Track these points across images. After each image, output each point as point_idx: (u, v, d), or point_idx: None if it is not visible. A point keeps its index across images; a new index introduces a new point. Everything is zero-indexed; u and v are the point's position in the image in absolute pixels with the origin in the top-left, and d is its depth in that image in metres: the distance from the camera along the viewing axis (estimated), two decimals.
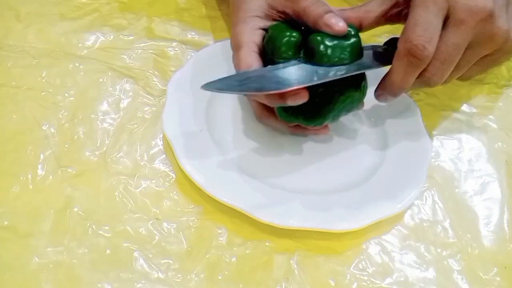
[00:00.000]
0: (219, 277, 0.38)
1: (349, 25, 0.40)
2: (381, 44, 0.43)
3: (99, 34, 0.51)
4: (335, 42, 0.39)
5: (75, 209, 0.40)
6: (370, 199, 0.42)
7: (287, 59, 0.40)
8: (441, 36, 0.39)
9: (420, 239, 0.42)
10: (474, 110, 0.53)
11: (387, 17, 0.43)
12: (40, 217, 0.39)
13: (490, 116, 0.52)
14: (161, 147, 0.44)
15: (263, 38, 0.42)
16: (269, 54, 0.41)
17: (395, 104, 0.49)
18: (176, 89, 0.45)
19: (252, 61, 0.40)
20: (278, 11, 0.43)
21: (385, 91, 0.42)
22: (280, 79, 0.38)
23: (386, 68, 0.41)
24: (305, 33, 0.41)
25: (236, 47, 0.42)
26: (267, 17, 0.43)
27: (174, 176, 0.43)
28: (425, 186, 0.45)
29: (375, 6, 0.43)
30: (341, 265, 0.40)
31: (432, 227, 0.43)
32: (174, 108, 0.44)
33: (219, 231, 0.40)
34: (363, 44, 0.41)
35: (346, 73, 0.39)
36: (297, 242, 0.40)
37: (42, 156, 0.42)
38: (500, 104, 0.54)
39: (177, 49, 0.52)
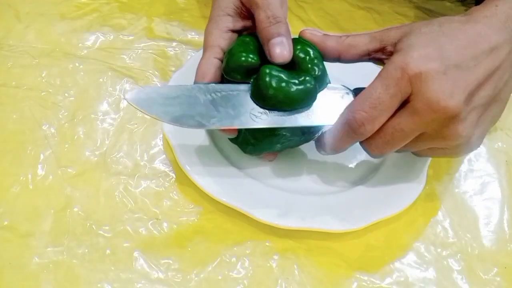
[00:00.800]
0: (219, 277, 0.38)
1: (314, 65, 0.37)
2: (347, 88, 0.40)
3: (99, 34, 0.51)
4: (284, 82, 0.36)
5: (75, 209, 0.40)
6: (370, 199, 0.42)
7: (233, 81, 0.38)
8: (393, 116, 0.35)
9: (420, 239, 0.42)
10: None
11: (370, 57, 0.39)
12: (40, 217, 0.39)
13: None
14: (161, 147, 0.44)
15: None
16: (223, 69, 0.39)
17: None
18: None
19: (208, 69, 0.39)
20: (247, 9, 0.40)
21: (320, 144, 0.39)
22: (204, 112, 0.36)
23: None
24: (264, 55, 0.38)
25: (203, 48, 0.41)
26: (239, 15, 0.41)
27: (174, 176, 0.43)
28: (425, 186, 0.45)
29: (360, 43, 0.38)
30: (341, 265, 0.40)
31: (432, 227, 0.43)
32: None
33: (219, 231, 0.40)
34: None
35: (276, 125, 0.37)
36: (297, 242, 0.40)
37: (42, 156, 0.42)
38: None
39: (177, 49, 0.52)
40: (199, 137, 0.44)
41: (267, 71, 0.36)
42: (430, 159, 0.45)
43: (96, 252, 0.38)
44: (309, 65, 0.38)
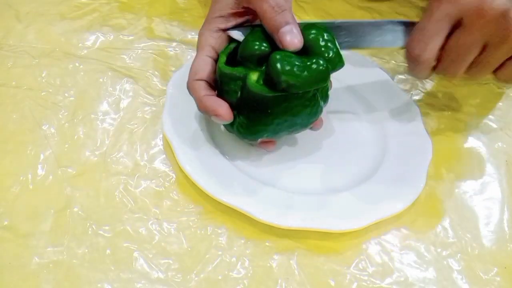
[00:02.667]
0: (219, 277, 0.38)
1: (327, 48, 0.37)
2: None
3: (99, 34, 0.51)
4: (294, 67, 0.36)
5: (75, 209, 0.40)
6: (370, 199, 0.42)
7: (248, 69, 0.38)
8: (452, 36, 0.40)
9: (420, 239, 0.42)
10: (474, 110, 0.53)
11: None
12: (40, 217, 0.39)
13: (490, 116, 0.52)
14: (161, 147, 0.44)
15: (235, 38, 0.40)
16: (239, 60, 0.39)
17: (395, 104, 0.49)
18: (176, 89, 0.45)
19: (200, 67, 0.40)
20: (244, 7, 0.41)
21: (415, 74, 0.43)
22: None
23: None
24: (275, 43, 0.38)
25: (197, 49, 0.42)
26: (233, 16, 0.41)
27: (174, 176, 0.43)
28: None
29: None
30: (341, 265, 0.40)
31: (432, 227, 0.43)
32: (174, 108, 0.44)
33: (219, 231, 0.40)
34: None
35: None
36: (297, 242, 0.40)
37: (42, 156, 0.42)
38: (500, 104, 0.54)
39: (177, 49, 0.52)
40: (199, 137, 0.44)
41: (277, 57, 0.36)
42: (429, 158, 0.45)
43: (96, 252, 0.38)
44: (322, 48, 0.38)
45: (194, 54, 0.50)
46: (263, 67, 0.38)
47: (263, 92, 0.37)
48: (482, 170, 0.48)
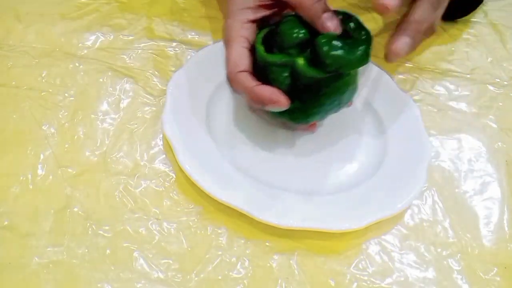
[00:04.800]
0: (219, 277, 0.38)
1: (360, 29, 0.39)
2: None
3: (99, 34, 0.51)
4: (340, 49, 0.38)
5: (75, 209, 0.40)
6: (370, 199, 0.42)
7: (291, 56, 0.39)
8: None
9: (420, 239, 0.42)
10: (474, 110, 0.53)
11: None
12: (40, 217, 0.39)
13: (490, 116, 0.52)
14: (161, 147, 0.44)
15: (266, 30, 0.42)
16: (277, 49, 0.40)
17: (395, 104, 0.49)
18: (176, 89, 0.45)
19: (240, 59, 0.40)
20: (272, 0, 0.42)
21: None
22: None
23: None
24: (313, 29, 0.40)
25: (226, 43, 0.42)
26: (259, 8, 0.42)
27: (174, 176, 0.43)
28: (425, 186, 0.45)
29: None
30: (341, 265, 0.40)
31: (432, 227, 0.43)
32: (174, 108, 0.44)
33: (219, 231, 0.40)
34: None
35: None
36: (297, 242, 0.40)
37: (42, 156, 0.42)
38: (500, 104, 0.54)
39: (177, 49, 0.52)
40: (199, 137, 0.44)
41: (323, 40, 0.38)
42: (429, 158, 0.45)
43: (96, 252, 0.38)
44: (355, 31, 0.40)
45: (194, 54, 0.50)
46: (305, 53, 0.39)
47: (317, 75, 0.39)
48: (482, 170, 0.48)
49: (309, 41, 0.39)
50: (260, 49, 0.40)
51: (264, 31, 0.42)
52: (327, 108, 0.41)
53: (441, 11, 0.45)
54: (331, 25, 0.39)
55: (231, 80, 0.41)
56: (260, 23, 0.43)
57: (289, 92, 0.40)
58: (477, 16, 0.62)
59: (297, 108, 0.40)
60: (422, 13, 0.42)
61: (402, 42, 0.42)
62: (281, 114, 0.41)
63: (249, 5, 0.42)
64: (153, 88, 0.48)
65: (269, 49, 0.41)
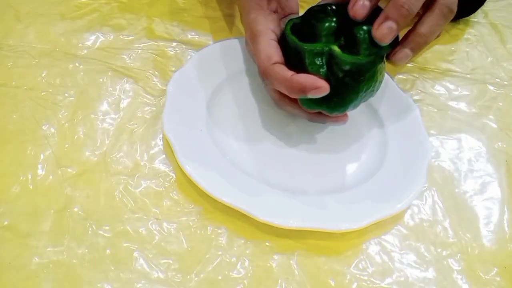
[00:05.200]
0: (219, 277, 0.38)
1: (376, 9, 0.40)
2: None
3: (99, 34, 0.51)
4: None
5: (75, 209, 0.40)
6: (370, 199, 0.42)
7: (326, 44, 0.40)
8: None
9: (420, 239, 0.42)
10: (474, 110, 0.53)
11: None
12: (40, 217, 0.39)
13: (490, 116, 0.52)
14: (161, 147, 0.44)
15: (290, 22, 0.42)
16: (307, 37, 0.41)
17: (395, 104, 0.49)
18: (176, 89, 0.45)
19: (272, 51, 0.40)
20: None
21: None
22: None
23: None
24: (342, 18, 0.40)
25: (252, 37, 0.42)
26: None
27: (174, 176, 0.43)
28: (425, 186, 0.45)
29: None
30: (341, 265, 0.40)
31: (432, 227, 0.43)
32: (174, 108, 0.44)
33: (219, 231, 0.40)
34: None
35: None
36: (297, 242, 0.40)
37: (42, 156, 0.42)
38: (500, 104, 0.54)
39: (177, 49, 0.52)
40: (199, 137, 0.44)
41: (366, 27, 0.39)
42: (429, 158, 0.45)
43: (96, 252, 0.38)
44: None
45: (194, 54, 0.50)
46: (340, 41, 0.40)
47: (358, 60, 0.39)
48: (482, 170, 0.48)
49: (340, 29, 0.40)
50: (294, 38, 0.41)
51: (292, 21, 0.42)
52: (363, 95, 0.41)
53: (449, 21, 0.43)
54: (361, 9, 0.38)
55: (265, 73, 0.41)
56: (281, 14, 0.44)
57: (327, 80, 0.40)
58: (477, 16, 0.62)
59: (334, 95, 0.40)
60: (430, 27, 0.41)
61: (402, 54, 0.41)
62: (319, 104, 0.41)
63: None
64: (153, 88, 0.48)
65: (300, 39, 0.41)
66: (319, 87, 0.39)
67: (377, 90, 0.43)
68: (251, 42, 0.42)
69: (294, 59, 0.41)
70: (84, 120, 0.45)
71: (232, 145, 0.44)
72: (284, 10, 0.45)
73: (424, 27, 0.40)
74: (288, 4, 0.45)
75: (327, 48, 0.40)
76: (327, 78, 0.40)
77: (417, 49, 0.41)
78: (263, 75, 0.41)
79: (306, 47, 0.40)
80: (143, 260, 0.38)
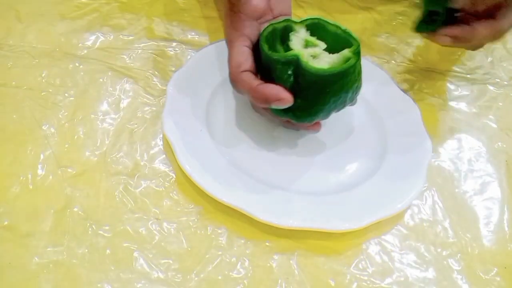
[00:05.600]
0: (219, 277, 0.38)
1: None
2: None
3: (99, 34, 0.51)
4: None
5: (75, 209, 0.40)
6: (370, 199, 0.42)
7: (295, 54, 0.39)
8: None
9: (420, 239, 0.42)
10: (474, 110, 0.53)
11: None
12: (40, 217, 0.39)
13: (490, 116, 0.52)
14: (161, 147, 0.44)
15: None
16: (282, 46, 0.41)
17: (395, 104, 0.49)
18: (176, 89, 0.45)
19: (242, 58, 0.40)
20: None
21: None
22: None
23: None
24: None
25: (228, 42, 0.42)
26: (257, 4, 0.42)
27: (174, 176, 0.43)
28: (425, 186, 0.45)
29: None
30: (341, 265, 0.40)
31: (432, 227, 0.43)
32: (174, 108, 0.44)
33: (219, 231, 0.40)
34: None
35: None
36: (297, 242, 0.40)
37: (42, 156, 0.42)
38: (500, 104, 0.54)
39: (177, 49, 0.52)
40: (199, 137, 0.44)
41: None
42: (429, 158, 0.45)
43: (96, 252, 0.38)
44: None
45: (194, 54, 0.50)
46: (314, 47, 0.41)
47: (323, 72, 0.38)
48: (482, 170, 0.48)
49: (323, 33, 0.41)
50: (264, 47, 0.40)
51: (269, 28, 0.42)
52: (332, 106, 0.41)
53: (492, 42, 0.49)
54: None
55: (234, 80, 0.41)
56: (270, 16, 0.43)
57: (293, 90, 0.40)
58: None
59: (301, 106, 0.40)
60: (478, 40, 0.47)
61: (444, 39, 0.47)
62: (286, 112, 0.41)
63: (246, 2, 0.42)
64: (153, 88, 0.48)
65: (274, 47, 0.41)
66: (282, 98, 0.39)
67: (351, 102, 0.42)
68: (227, 46, 0.42)
69: (265, 68, 0.41)
70: (84, 120, 0.45)
71: (232, 145, 0.44)
72: (273, 12, 0.44)
73: (475, 40, 0.47)
74: (278, 6, 0.44)
75: (295, 58, 0.39)
76: (293, 88, 0.39)
77: (456, 44, 0.47)
78: (233, 81, 0.41)
79: (274, 57, 0.40)
80: (143, 260, 0.38)
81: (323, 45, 0.41)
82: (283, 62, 0.39)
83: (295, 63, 0.39)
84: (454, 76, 0.55)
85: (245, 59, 0.40)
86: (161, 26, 0.53)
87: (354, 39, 0.40)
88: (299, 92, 0.40)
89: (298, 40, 0.41)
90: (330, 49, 0.41)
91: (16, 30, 0.50)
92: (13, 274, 0.36)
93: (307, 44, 0.41)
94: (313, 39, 0.41)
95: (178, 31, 0.53)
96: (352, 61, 0.39)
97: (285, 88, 0.39)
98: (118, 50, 0.51)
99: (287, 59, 0.39)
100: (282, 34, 0.42)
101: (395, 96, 0.50)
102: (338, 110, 0.42)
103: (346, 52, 0.39)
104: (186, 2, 0.56)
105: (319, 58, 0.40)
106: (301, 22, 0.42)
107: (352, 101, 0.42)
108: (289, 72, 0.39)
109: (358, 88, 0.42)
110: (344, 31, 0.41)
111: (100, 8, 0.54)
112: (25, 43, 0.49)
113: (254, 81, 0.40)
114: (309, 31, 0.42)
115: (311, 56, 0.40)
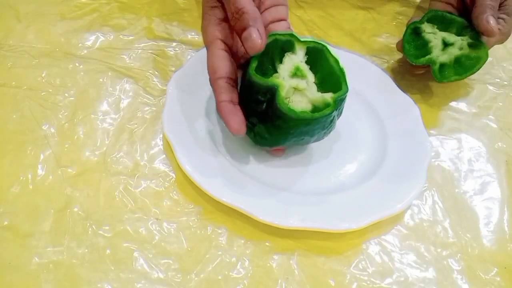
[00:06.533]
0: (219, 277, 0.38)
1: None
2: None
3: (99, 34, 0.51)
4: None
5: (75, 209, 0.40)
6: (370, 199, 0.42)
7: (275, 83, 0.38)
8: None
9: (420, 239, 0.42)
10: (474, 110, 0.53)
11: None
12: (40, 217, 0.39)
13: (490, 116, 0.52)
14: (161, 147, 0.44)
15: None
16: (271, 65, 0.40)
17: (395, 104, 0.49)
18: (176, 89, 0.45)
19: (217, 64, 0.39)
20: None
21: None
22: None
23: None
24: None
25: (205, 46, 0.40)
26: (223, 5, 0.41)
27: (174, 176, 0.43)
28: (425, 186, 0.45)
29: None
30: (341, 265, 0.40)
31: (432, 227, 0.43)
32: (174, 108, 0.44)
33: (219, 231, 0.40)
34: None
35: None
36: (297, 242, 0.40)
37: (42, 156, 0.42)
38: (500, 104, 0.54)
39: (177, 49, 0.52)
40: (199, 137, 0.44)
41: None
42: (429, 158, 0.45)
43: (96, 252, 0.38)
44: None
45: (194, 54, 0.50)
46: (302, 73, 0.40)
47: (292, 114, 0.38)
48: (482, 170, 0.48)
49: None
50: (252, 65, 0.39)
51: (270, 39, 0.40)
52: (291, 143, 0.41)
53: None
54: (249, 44, 0.37)
55: (211, 84, 0.40)
56: (262, 8, 0.42)
57: (260, 115, 0.39)
58: None
59: (262, 133, 0.40)
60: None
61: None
62: (248, 131, 0.41)
63: (213, 4, 0.40)
64: (153, 88, 0.48)
65: (267, 60, 0.40)
66: (230, 127, 0.38)
67: (315, 141, 0.42)
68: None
69: (247, 79, 0.39)
70: (84, 120, 0.45)
71: (232, 145, 0.44)
72: (264, 4, 0.42)
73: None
74: None
75: (274, 86, 0.38)
76: (261, 113, 0.39)
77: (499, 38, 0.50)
78: (211, 85, 0.40)
79: (255, 79, 0.38)
80: (143, 260, 0.38)
81: (312, 78, 0.40)
82: (260, 86, 0.38)
83: (272, 93, 0.38)
84: None
85: (220, 64, 0.39)
86: (161, 26, 0.53)
87: (345, 83, 0.39)
88: (265, 120, 0.39)
89: (289, 65, 0.40)
90: (320, 81, 0.40)
91: (16, 30, 0.50)
92: (13, 274, 0.36)
93: (295, 73, 0.40)
94: (304, 69, 0.40)
95: (178, 31, 0.53)
96: (326, 111, 0.38)
97: (253, 110, 0.39)
98: (118, 50, 0.51)
99: (266, 85, 0.38)
100: (282, 47, 0.40)
101: (395, 96, 0.50)
102: (302, 145, 0.43)
103: (328, 97, 0.39)
104: (186, 2, 0.56)
105: (300, 93, 0.39)
106: (305, 42, 0.40)
107: (318, 140, 0.42)
108: (263, 98, 0.39)
109: (327, 133, 0.42)
110: (341, 70, 0.40)
111: (100, 8, 0.54)
112: (25, 43, 0.49)
113: (222, 95, 0.39)
114: (307, 56, 0.40)
115: (293, 88, 0.39)
